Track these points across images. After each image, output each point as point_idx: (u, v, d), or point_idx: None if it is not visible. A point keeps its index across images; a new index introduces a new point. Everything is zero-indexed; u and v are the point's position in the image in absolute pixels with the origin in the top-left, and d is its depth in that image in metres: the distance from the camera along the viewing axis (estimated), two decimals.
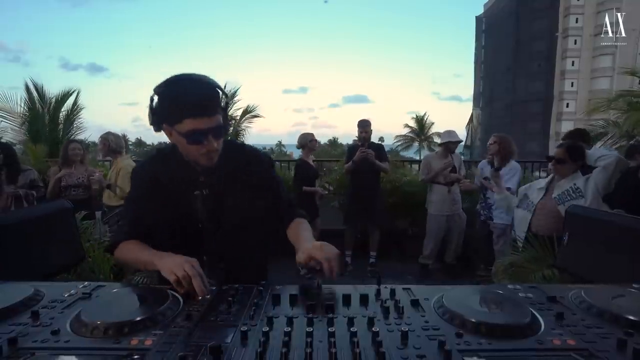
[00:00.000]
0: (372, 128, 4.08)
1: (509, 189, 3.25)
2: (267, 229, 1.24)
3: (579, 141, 2.93)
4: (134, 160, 4.23)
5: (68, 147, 3.49)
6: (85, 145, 7.53)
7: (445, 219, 3.94)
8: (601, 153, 2.38)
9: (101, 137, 3.60)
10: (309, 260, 0.96)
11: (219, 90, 1.02)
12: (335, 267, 0.94)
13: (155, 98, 0.99)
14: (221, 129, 1.02)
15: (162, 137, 3.96)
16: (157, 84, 0.99)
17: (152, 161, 1.18)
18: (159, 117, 1.01)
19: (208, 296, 0.86)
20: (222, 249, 1.15)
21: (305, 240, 1.07)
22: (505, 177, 3.43)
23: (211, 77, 1.03)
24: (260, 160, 1.23)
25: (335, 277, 0.93)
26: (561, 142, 2.69)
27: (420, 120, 37.66)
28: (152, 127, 1.03)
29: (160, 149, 1.21)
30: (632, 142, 4.64)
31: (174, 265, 0.89)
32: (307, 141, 4.02)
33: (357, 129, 4.10)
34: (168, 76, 1.01)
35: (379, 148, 4.09)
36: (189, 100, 0.96)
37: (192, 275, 0.86)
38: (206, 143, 1.00)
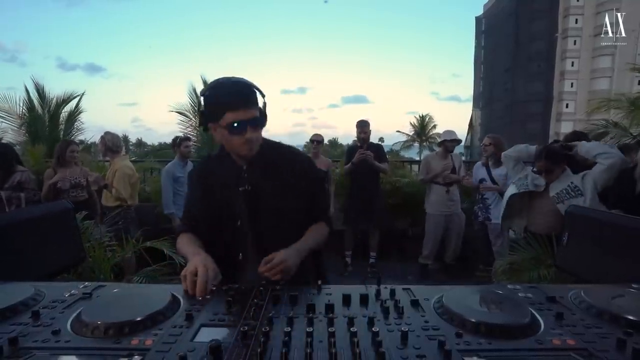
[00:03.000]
0: (371, 128, 4.09)
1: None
2: (304, 229, 1.25)
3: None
4: (132, 161, 4.23)
5: (67, 149, 3.48)
6: (87, 146, 7.54)
7: (443, 219, 3.94)
8: (602, 149, 2.31)
9: (101, 137, 3.64)
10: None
11: (256, 90, 1.14)
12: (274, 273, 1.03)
13: (202, 101, 1.14)
14: (258, 121, 1.13)
15: (161, 138, 3.99)
16: (202, 89, 1.17)
17: (204, 162, 1.34)
18: (205, 117, 1.15)
19: (208, 296, 0.87)
20: (259, 247, 1.18)
21: (296, 244, 1.14)
22: (502, 178, 3.46)
23: (248, 80, 1.15)
24: (299, 160, 1.30)
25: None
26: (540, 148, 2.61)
27: (422, 120, 37.68)
28: (201, 127, 1.20)
29: (210, 154, 1.36)
30: (627, 140, 4.64)
31: (191, 263, 0.97)
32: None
33: (356, 129, 4.11)
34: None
35: (378, 148, 4.10)
36: (226, 96, 1.10)
37: (199, 274, 0.90)
38: (245, 133, 1.11)
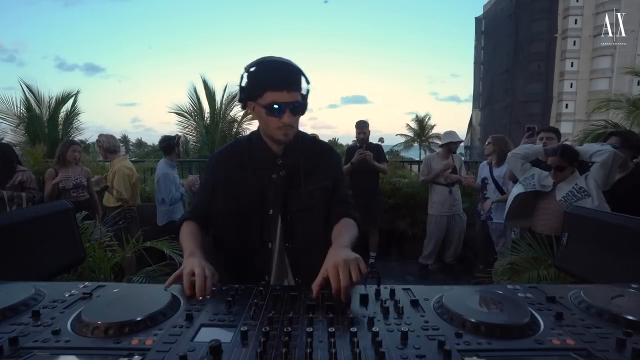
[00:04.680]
0: (370, 128, 4.09)
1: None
2: (326, 220, 1.23)
3: (554, 136, 2.93)
4: (132, 161, 4.21)
5: (69, 149, 3.48)
6: (85, 146, 7.56)
7: (445, 219, 3.94)
8: (596, 148, 2.34)
9: (96, 140, 3.63)
10: (322, 284, 0.86)
11: (301, 75, 1.09)
12: (345, 297, 0.83)
13: (245, 76, 1.08)
14: (298, 106, 1.07)
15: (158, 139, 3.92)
16: (248, 64, 1.07)
17: (231, 146, 1.24)
18: (245, 93, 1.09)
19: (209, 296, 0.87)
20: (288, 235, 1.18)
21: (335, 247, 0.99)
22: (501, 179, 3.47)
23: (295, 63, 1.08)
24: (331, 154, 1.29)
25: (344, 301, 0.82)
26: (551, 146, 2.62)
27: (421, 121, 37.74)
28: (239, 104, 1.16)
29: (238, 139, 1.28)
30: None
31: (187, 263, 0.94)
32: None
33: (355, 129, 4.12)
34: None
35: (377, 148, 4.10)
36: (270, 75, 1.05)
37: (196, 275, 0.89)
38: (283, 116, 1.06)
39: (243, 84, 1.09)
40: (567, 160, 2.43)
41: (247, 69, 1.07)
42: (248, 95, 1.09)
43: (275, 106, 1.05)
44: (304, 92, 1.11)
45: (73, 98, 7.27)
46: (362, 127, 4.04)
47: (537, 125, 3.05)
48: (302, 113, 1.12)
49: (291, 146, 1.17)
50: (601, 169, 2.28)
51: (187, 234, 1.14)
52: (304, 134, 1.26)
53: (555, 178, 2.49)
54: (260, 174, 1.17)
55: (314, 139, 1.30)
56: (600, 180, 2.30)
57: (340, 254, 0.90)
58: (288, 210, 1.18)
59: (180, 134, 6.80)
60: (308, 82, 1.11)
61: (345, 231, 1.11)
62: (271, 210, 1.17)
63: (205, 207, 1.21)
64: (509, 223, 2.74)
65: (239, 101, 1.14)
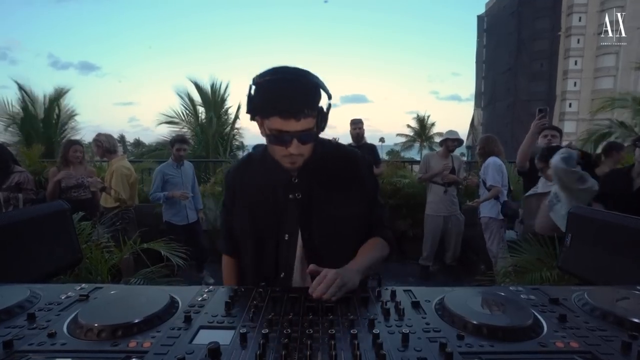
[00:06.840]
0: (371, 127, 4.19)
1: (492, 186, 3.35)
2: (360, 237, 1.11)
3: (557, 134, 2.93)
4: (130, 161, 4.21)
5: (70, 149, 3.48)
6: (85, 146, 7.61)
7: (442, 220, 3.94)
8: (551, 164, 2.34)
9: (94, 140, 3.61)
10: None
11: (318, 91, 0.96)
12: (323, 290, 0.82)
13: (252, 88, 0.96)
14: (309, 135, 0.96)
15: (159, 138, 3.93)
16: (258, 74, 0.94)
17: (244, 161, 1.18)
18: (253, 107, 0.97)
19: (206, 297, 0.86)
20: (308, 264, 1.03)
21: (353, 262, 0.98)
22: (482, 173, 3.55)
23: (313, 74, 0.96)
24: (359, 164, 1.13)
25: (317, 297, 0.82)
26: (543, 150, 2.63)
27: (422, 121, 37.73)
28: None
29: (252, 153, 1.20)
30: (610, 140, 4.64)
31: None
32: None
33: (350, 127, 4.15)
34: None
35: (371, 149, 4.11)
36: (276, 100, 0.91)
37: None
38: (289, 147, 0.95)
39: (250, 95, 0.97)
40: (543, 161, 2.46)
41: (255, 81, 0.95)
42: (254, 110, 0.97)
43: (279, 135, 0.94)
44: (325, 107, 0.99)
45: (65, 97, 7.32)
46: (356, 123, 4.11)
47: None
48: (316, 138, 1.01)
49: (310, 163, 1.04)
50: (554, 180, 2.29)
51: (225, 271, 1.19)
52: (324, 142, 1.12)
53: (547, 178, 2.51)
54: (274, 194, 1.06)
55: (337, 146, 1.17)
56: (557, 188, 2.27)
57: (341, 270, 0.88)
58: (310, 238, 1.05)
59: (180, 134, 6.82)
60: (330, 97, 0.99)
61: (368, 252, 1.05)
62: (287, 236, 1.06)
63: (230, 233, 1.17)
64: (525, 226, 2.74)
65: (247, 112, 0.99)
